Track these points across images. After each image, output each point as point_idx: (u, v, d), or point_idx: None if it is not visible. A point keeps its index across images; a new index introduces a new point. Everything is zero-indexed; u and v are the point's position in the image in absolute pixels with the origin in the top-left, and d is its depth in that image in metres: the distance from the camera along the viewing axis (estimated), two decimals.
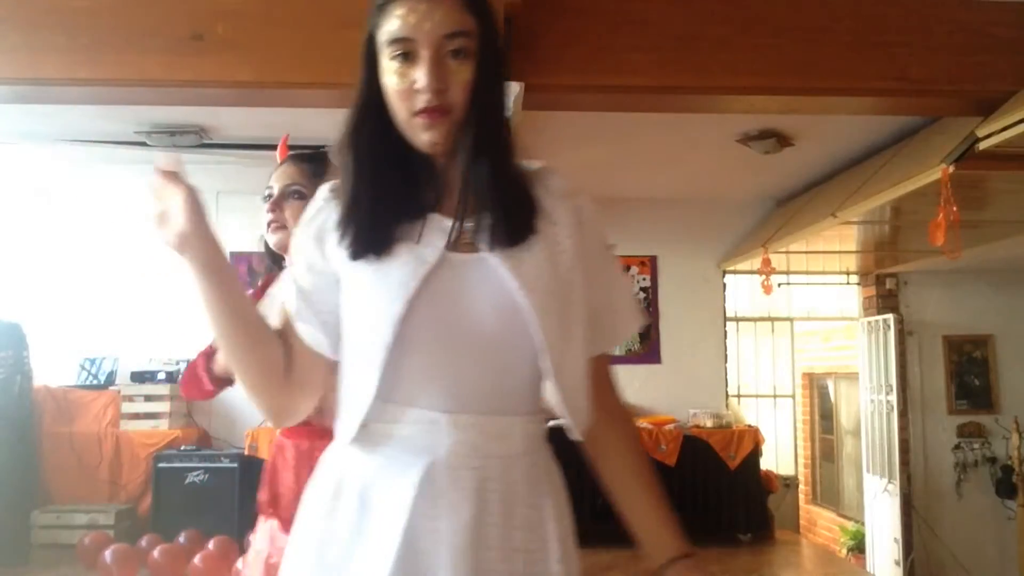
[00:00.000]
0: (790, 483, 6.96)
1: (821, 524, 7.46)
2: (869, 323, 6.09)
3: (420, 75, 1.02)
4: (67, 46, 2.86)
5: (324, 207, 1.11)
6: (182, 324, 5.63)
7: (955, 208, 3.14)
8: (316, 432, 1.87)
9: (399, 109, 1.05)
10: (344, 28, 2.94)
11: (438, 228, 1.04)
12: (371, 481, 1.03)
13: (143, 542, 4.70)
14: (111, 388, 5.73)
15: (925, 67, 3.03)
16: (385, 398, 1.02)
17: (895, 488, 5.72)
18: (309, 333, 1.09)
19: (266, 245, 1.99)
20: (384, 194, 1.06)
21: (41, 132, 4.59)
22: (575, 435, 1.09)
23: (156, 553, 4.43)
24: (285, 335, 1.10)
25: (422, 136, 1.05)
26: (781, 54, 3.00)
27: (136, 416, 5.53)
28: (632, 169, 5.30)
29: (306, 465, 1.85)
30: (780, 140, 4.49)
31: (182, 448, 5.26)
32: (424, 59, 1.02)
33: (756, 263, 5.34)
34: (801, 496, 7.48)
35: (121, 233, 5.93)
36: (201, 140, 4.59)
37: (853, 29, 3.02)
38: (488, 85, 1.05)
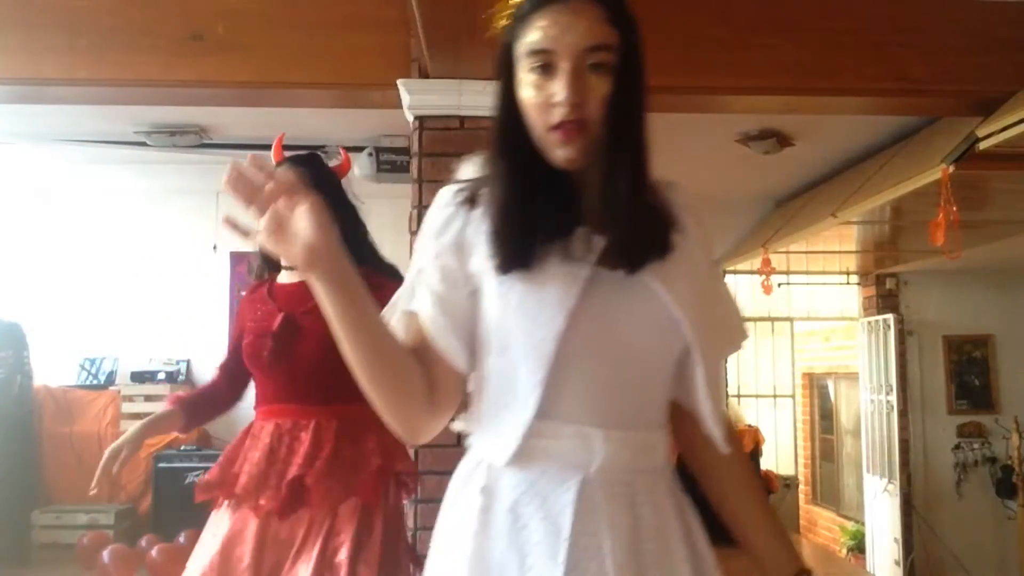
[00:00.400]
0: (790, 483, 6.96)
1: (821, 524, 7.46)
2: (869, 323, 6.09)
3: (558, 88, 0.99)
4: (66, 46, 2.86)
5: (455, 214, 1.07)
6: (182, 324, 5.63)
7: (955, 208, 3.14)
8: (297, 411, 1.88)
9: (535, 123, 1.02)
10: (344, 28, 2.94)
11: (585, 243, 1.02)
12: (522, 497, 1.00)
13: (143, 542, 4.70)
14: (111, 388, 5.73)
15: (925, 67, 3.02)
16: (542, 414, 0.99)
17: (895, 488, 5.72)
18: (450, 348, 1.04)
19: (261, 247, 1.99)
20: (530, 209, 1.02)
21: (41, 132, 4.58)
22: (720, 446, 1.09)
23: (155, 553, 4.43)
24: (421, 352, 1.05)
25: (557, 152, 1.02)
26: (781, 54, 3.00)
27: (136, 416, 5.50)
28: None
29: (284, 443, 1.86)
30: (780, 140, 4.48)
31: (182, 448, 5.26)
32: (563, 72, 0.99)
33: (756, 263, 5.34)
34: (801, 496, 7.49)
35: (121, 233, 5.94)
36: (201, 140, 4.59)
37: (853, 29, 3.02)
38: (628, 100, 1.02)
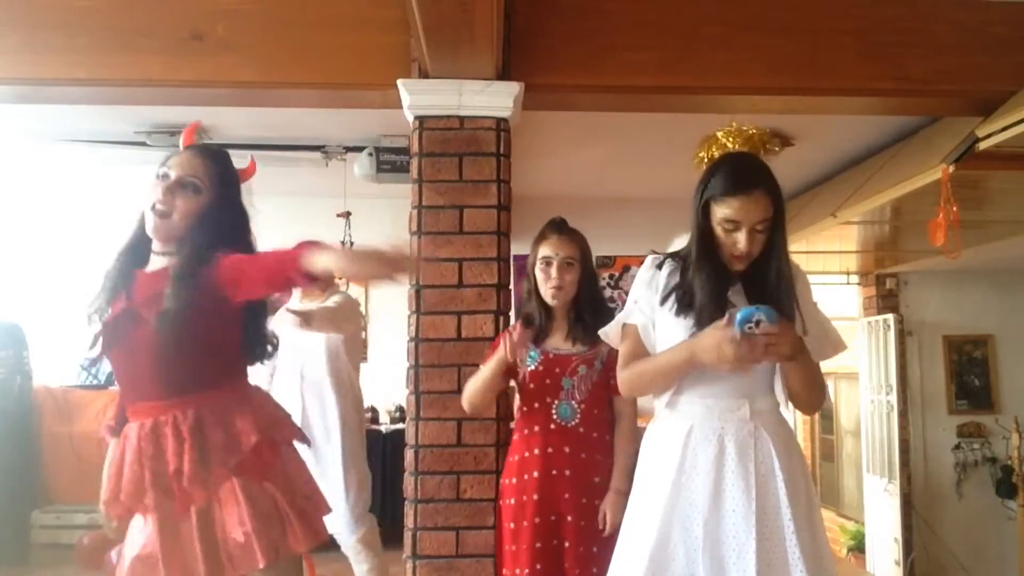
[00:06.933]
0: None
1: None
2: (869, 323, 6.09)
3: (741, 242, 1.81)
4: (67, 46, 2.86)
5: (654, 274, 1.94)
6: None
7: (955, 208, 3.14)
8: (155, 408, 1.80)
9: (723, 248, 1.84)
10: (344, 28, 2.94)
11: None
12: (667, 426, 1.88)
13: None
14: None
15: (925, 67, 3.02)
16: (675, 391, 1.86)
17: (895, 488, 5.72)
18: (649, 345, 1.92)
19: (142, 226, 1.91)
20: (709, 288, 1.84)
21: (41, 132, 4.59)
22: (786, 399, 1.86)
23: None
24: (640, 346, 1.94)
25: (736, 266, 1.85)
26: (781, 54, 3.00)
27: None
28: (632, 169, 5.29)
29: (151, 442, 1.77)
30: (780, 140, 4.49)
31: None
32: (743, 234, 1.81)
33: None
34: None
35: (121, 233, 5.92)
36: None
37: (853, 29, 3.02)
38: (778, 240, 1.85)
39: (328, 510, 1.94)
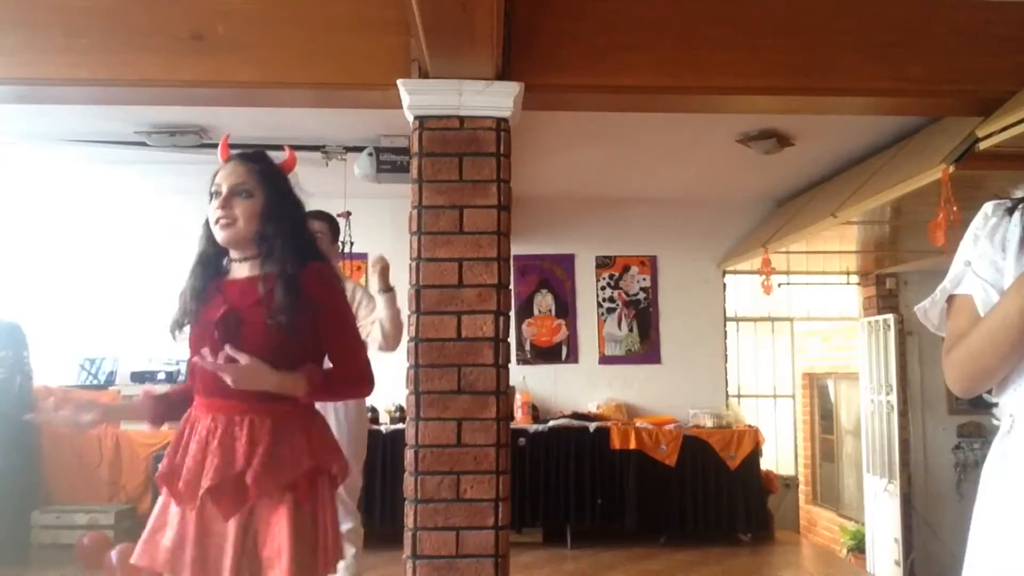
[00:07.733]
0: (790, 483, 6.96)
1: (821, 524, 7.46)
2: (869, 323, 6.09)
3: None
4: (67, 46, 2.86)
5: (999, 222, 1.37)
6: None
7: (955, 208, 3.14)
8: (232, 407, 1.89)
9: None
10: (344, 28, 2.94)
11: None
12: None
13: None
14: (111, 388, 5.73)
15: (925, 67, 3.02)
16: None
17: (895, 488, 5.72)
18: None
19: (208, 240, 2.02)
20: None
21: (41, 132, 4.59)
22: None
23: None
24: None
25: None
26: (781, 54, 3.00)
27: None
28: (632, 169, 5.29)
29: (216, 439, 1.87)
30: (780, 140, 4.49)
31: None
32: None
33: (756, 263, 5.34)
34: (801, 496, 7.49)
35: (121, 233, 5.94)
36: (201, 140, 4.59)
37: (853, 29, 3.02)
38: None
39: (342, 555, 2.01)
